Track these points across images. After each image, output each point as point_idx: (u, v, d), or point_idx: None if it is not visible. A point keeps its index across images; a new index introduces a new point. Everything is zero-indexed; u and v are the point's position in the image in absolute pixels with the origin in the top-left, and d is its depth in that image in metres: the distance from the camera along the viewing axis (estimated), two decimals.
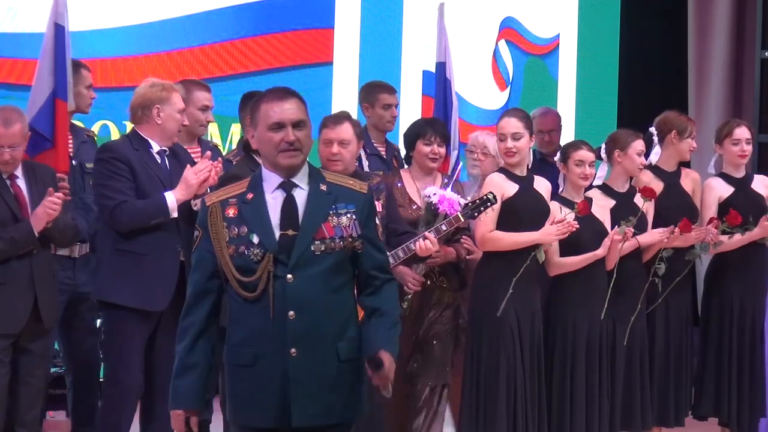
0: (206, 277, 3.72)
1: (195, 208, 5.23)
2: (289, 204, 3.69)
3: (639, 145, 5.91)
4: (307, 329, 3.65)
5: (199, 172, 5.21)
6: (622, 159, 5.90)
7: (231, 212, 3.69)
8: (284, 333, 3.63)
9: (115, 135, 7.16)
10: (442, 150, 5.63)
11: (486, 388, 5.54)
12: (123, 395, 5.21)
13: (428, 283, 5.57)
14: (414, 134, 5.70)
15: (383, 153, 6.74)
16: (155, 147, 5.28)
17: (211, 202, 3.72)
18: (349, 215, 3.71)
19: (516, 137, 5.60)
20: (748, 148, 6.22)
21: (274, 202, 3.69)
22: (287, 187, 3.70)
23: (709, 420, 6.32)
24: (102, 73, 7.15)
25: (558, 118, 7.24)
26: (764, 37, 8.86)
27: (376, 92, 6.76)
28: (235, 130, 7.66)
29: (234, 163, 5.71)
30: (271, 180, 3.71)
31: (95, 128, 7.04)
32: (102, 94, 7.08)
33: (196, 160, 5.81)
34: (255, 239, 3.64)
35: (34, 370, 5.23)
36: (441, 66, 6.57)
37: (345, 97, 7.94)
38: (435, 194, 5.41)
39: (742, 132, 6.22)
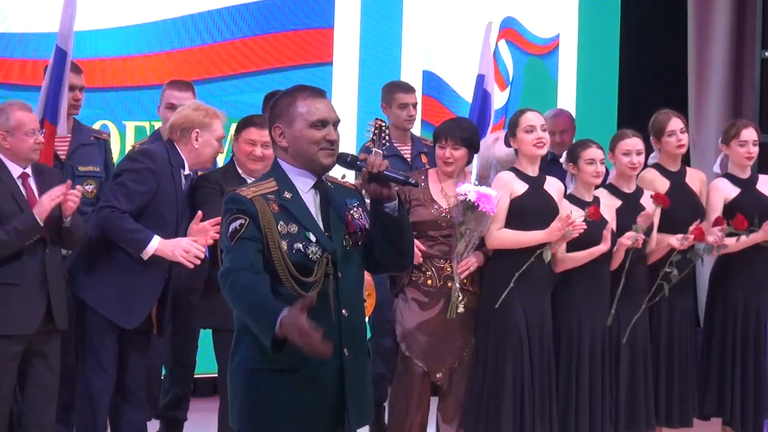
0: (257, 251, 3.49)
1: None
2: (326, 204, 3.63)
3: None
4: (356, 326, 3.64)
5: (191, 247, 5.10)
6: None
7: (275, 208, 3.55)
8: (339, 332, 3.56)
9: (114, 135, 7.16)
10: (457, 153, 5.61)
11: (491, 388, 5.55)
12: (94, 395, 5.23)
13: (457, 286, 5.57)
14: (434, 137, 5.76)
15: (405, 152, 6.77)
16: (186, 169, 5.28)
17: (251, 195, 3.55)
18: (356, 208, 3.69)
19: (544, 128, 5.66)
20: (755, 150, 6.19)
21: (310, 201, 3.62)
22: (321, 186, 3.65)
23: (712, 420, 6.32)
24: (102, 73, 7.15)
25: (571, 119, 7.27)
26: (764, 37, 8.85)
27: (393, 92, 6.85)
28: None
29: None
30: (303, 178, 3.62)
31: (95, 128, 7.04)
32: (102, 94, 7.10)
33: None
34: (312, 237, 3.55)
35: (48, 372, 5.18)
36: (480, 78, 6.70)
37: (345, 97, 7.94)
38: (471, 191, 5.42)
39: (750, 133, 6.19)
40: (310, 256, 3.53)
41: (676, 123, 6.11)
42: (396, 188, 3.65)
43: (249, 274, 3.46)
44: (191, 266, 5.13)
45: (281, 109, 3.62)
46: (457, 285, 5.51)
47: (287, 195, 3.57)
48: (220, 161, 6.84)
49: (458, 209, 5.48)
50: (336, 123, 3.63)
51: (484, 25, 6.95)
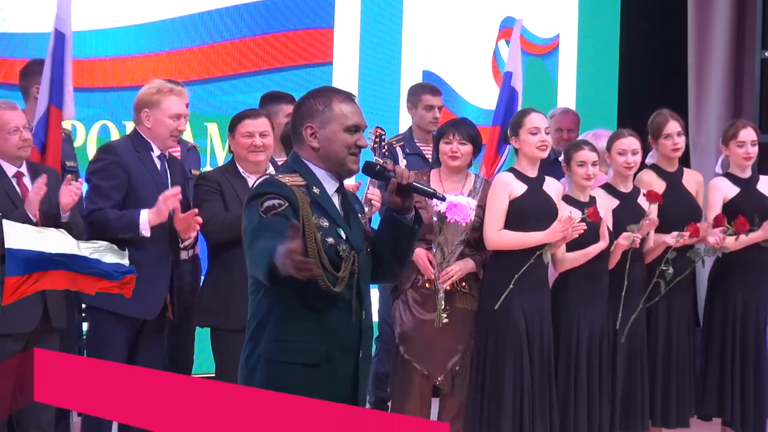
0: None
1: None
2: (347, 206, 3.67)
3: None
4: (370, 328, 3.70)
5: (167, 198, 5.08)
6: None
7: (307, 199, 3.56)
8: (360, 333, 3.61)
9: (114, 135, 7.16)
10: (464, 148, 5.61)
11: (492, 387, 5.55)
12: None
13: (448, 288, 5.58)
14: (438, 135, 5.75)
15: (428, 153, 6.81)
16: (156, 150, 5.26)
17: (289, 183, 3.55)
18: (363, 216, 3.78)
19: (547, 131, 5.67)
20: (753, 150, 6.19)
21: (335, 201, 3.65)
22: (342, 190, 3.68)
23: (713, 420, 6.32)
24: (102, 73, 7.15)
25: (577, 118, 7.35)
26: (764, 37, 8.85)
27: (420, 93, 7.00)
28: None
29: None
30: (328, 180, 3.64)
31: (95, 128, 7.05)
32: (102, 94, 7.10)
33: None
34: (343, 234, 3.58)
35: None
36: (508, 75, 6.70)
37: None
38: (442, 203, 5.37)
39: (748, 134, 6.19)
40: (340, 253, 3.55)
41: (673, 126, 6.10)
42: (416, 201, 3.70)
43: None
44: (177, 205, 5.08)
45: (314, 109, 3.62)
46: (441, 295, 5.50)
47: (316, 190, 3.59)
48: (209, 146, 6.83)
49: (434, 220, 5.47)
50: (365, 130, 3.68)
51: (484, 25, 6.99)
